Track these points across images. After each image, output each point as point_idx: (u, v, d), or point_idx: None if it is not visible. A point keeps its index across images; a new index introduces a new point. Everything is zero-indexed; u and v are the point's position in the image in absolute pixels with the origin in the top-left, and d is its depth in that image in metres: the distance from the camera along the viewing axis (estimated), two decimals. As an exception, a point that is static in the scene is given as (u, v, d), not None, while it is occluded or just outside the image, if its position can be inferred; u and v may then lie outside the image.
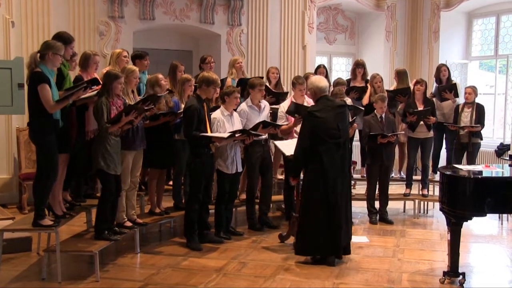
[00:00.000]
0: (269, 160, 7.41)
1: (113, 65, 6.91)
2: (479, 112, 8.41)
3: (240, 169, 6.97)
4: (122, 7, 9.54)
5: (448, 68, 9.21)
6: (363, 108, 8.19)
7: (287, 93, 8.54)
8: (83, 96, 5.73)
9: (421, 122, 8.19)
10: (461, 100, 8.98)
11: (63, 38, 5.83)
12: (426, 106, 8.27)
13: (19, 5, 8.62)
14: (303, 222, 5.93)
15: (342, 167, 5.84)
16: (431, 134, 8.39)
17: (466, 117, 8.39)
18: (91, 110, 5.95)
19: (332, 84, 8.77)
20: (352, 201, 8.34)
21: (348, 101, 8.27)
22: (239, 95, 6.94)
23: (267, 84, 8.24)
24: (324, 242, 5.77)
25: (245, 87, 7.74)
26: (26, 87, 5.34)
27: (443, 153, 9.14)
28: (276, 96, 8.15)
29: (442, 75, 9.05)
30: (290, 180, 6.23)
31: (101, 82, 5.91)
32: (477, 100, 8.62)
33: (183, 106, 6.68)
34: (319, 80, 6.06)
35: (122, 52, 7.09)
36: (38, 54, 5.28)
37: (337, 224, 5.75)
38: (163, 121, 6.58)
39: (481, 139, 8.55)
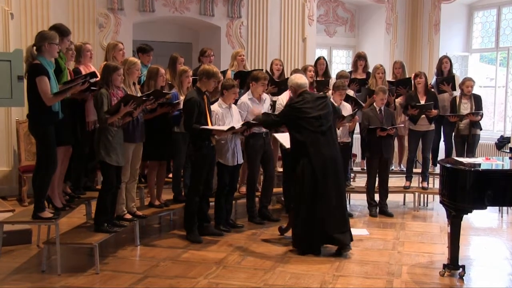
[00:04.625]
0: (271, 153, 7.40)
1: (109, 57, 6.87)
2: (477, 102, 8.42)
3: (240, 161, 6.97)
4: (122, -1, 9.52)
5: (450, 60, 9.18)
6: (363, 104, 8.19)
7: (287, 79, 8.51)
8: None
9: (423, 115, 8.19)
10: (456, 92, 8.97)
11: (60, 31, 5.80)
12: (428, 98, 8.26)
13: (18, -3, 8.59)
14: (296, 214, 6.05)
15: (333, 157, 5.99)
16: (432, 127, 8.39)
17: (465, 109, 8.39)
18: (91, 101, 5.93)
19: (335, 76, 8.75)
20: (352, 194, 8.50)
21: (351, 93, 8.28)
22: (238, 90, 6.93)
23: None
24: (315, 233, 5.91)
25: (243, 79, 7.73)
26: (25, 80, 5.32)
27: (442, 145, 9.12)
28: (278, 86, 8.11)
29: (444, 67, 9.02)
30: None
31: (98, 76, 5.89)
32: (477, 92, 8.63)
33: (182, 98, 6.67)
34: (299, 77, 6.35)
35: (118, 44, 7.06)
36: (34, 47, 5.25)
37: (326, 214, 5.88)
38: (160, 112, 6.55)
39: (480, 129, 8.57)
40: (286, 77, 8.83)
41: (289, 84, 6.37)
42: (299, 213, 6.00)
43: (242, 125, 6.53)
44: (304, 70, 8.00)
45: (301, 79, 6.28)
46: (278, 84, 8.14)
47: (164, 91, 6.43)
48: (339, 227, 5.96)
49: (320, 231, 5.91)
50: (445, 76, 8.91)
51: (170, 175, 7.31)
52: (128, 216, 6.18)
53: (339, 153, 6.16)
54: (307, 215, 5.91)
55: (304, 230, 5.96)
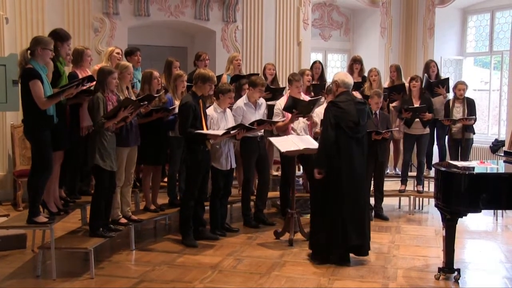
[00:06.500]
0: (266, 157, 7.41)
1: (105, 62, 6.91)
2: (471, 106, 8.44)
3: (234, 165, 6.97)
4: (117, 4, 9.51)
5: (436, 64, 9.23)
6: None
7: (283, 88, 8.56)
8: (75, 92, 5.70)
9: (417, 119, 8.21)
10: (450, 95, 9.01)
11: (60, 36, 5.83)
12: (422, 102, 8.29)
13: (13, 1, 8.57)
14: (317, 220, 5.87)
15: (360, 164, 5.80)
16: (426, 130, 8.41)
17: (458, 112, 8.42)
18: (85, 106, 5.93)
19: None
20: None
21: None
22: (233, 95, 6.93)
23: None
24: (337, 241, 5.72)
25: (239, 84, 7.74)
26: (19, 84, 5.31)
27: (435, 149, 9.14)
28: (273, 92, 8.14)
29: (432, 71, 9.04)
30: (315, 173, 5.97)
31: (95, 79, 5.89)
32: (471, 96, 8.65)
33: (176, 102, 6.67)
34: (346, 75, 6.05)
35: (114, 49, 7.09)
36: (28, 51, 5.25)
37: (351, 223, 5.70)
38: (155, 117, 6.55)
39: (474, 133, 8.59)
40: (279, 81, 8.90)
41: (334, 79, 6.01)
42: (322, 219, 5.80)
43: (237, 127, 6.52)
44: (302, 74, 8.01)
45: (349, 78, 5.97)
46: (273, 91, 8.16)
47: (155, 94, 6.42)
48: (361, 236, 5.80)
49: (343, 238, 5.70)
50: (441, 79, 8.95)
51: (166, 179, 7.31)
52: (123, 220, 6.18)
53: (366, 162, 6.00)
54: (330, 221, 5.71)
55: (323, 237, 5.78)
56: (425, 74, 9.01)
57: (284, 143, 6.57)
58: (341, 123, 5.67)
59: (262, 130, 7.22)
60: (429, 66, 9.11)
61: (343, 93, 5.86)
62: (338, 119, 5.68)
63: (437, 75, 9.09)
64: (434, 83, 8.84)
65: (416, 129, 8.34)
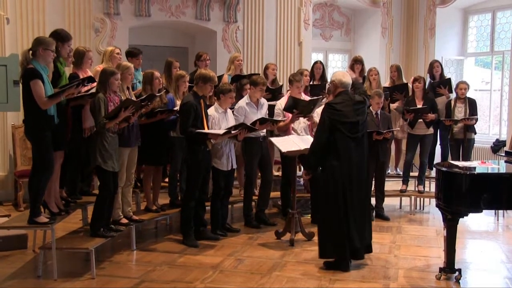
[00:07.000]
0: (268, 157, 7.40)
1: (106, 62, 6.89)
2: (472, 106, 8.44)
3: (234, 166, 6.97)
4: (118, 4, 9.52)
5: (441, 64, 9.22)
6: None
7: (281, 86, 8.56)
8: (77, 95, 5.70)
9: (420, 119, 8.21)
10: (453, 95, 9.00)
11: (61, 36, 5.84)
12: (425, 103, 8.28)
13: (14, 2, 8.58)
14: (322, 222, 5.80)
15: (360, 164, 5.71)
16: (430, 131, 8.41)
17: (460, 112, 8.42)
18: (87, 108, 5.93)
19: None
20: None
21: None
22: (234, 95, 6.93)
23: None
24: (342, 243, 5.60)
25: (240, 84, 7.74)
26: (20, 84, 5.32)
27: (438, 149, 9.14)
28: (273, 92, 8.15)
29: (435, 71, 9.05)
30: (303, 175, 5.92)
31: (96, 80, 5.89)
32: (472, 96, 8.64)
33: (178, 102, 6.67)
34: (343, 75, 5.92)
35: (114, 49, 7.08)
36: (30, 51, 5.27)
37: (352, 224, 5.61)
38: (160, 118, 6.56)
39: (475, 133, 8.58)
40: (279, 81, 8.89)
41: (332, 79, 5.94)
42: (323, 219, 5.74)
43: (239, 127, 6.51)
44: (300, 74, 8.01)
45: (346, 78, 5.81)
46: (272, 91, 8.15)
47: (156, 94, 6.43)
48: (361, 238, 5.69)
49: (345, 240, 5.60)
50: (441, 80, 8.94)
51: (167, 180, 7.30)
52: (125, 220, 6.17)
53: (366, 161, 5.88)
54: (331, 222, 5.61)
55: (328, 239, 5.66)
56: (428, 75, 8.99)
57: (285, 143, 6.57)
58: (338, 125, 5.60)
59: (265, 130, 7.21)
60: (433, 66, 9.12)
61: (341, 93, 5.78)
62: (334, 121, 5.61)
63: (441, 75, 9.08)
64: (435, 84, 8.84)
65: (420, 130, 8.34)
